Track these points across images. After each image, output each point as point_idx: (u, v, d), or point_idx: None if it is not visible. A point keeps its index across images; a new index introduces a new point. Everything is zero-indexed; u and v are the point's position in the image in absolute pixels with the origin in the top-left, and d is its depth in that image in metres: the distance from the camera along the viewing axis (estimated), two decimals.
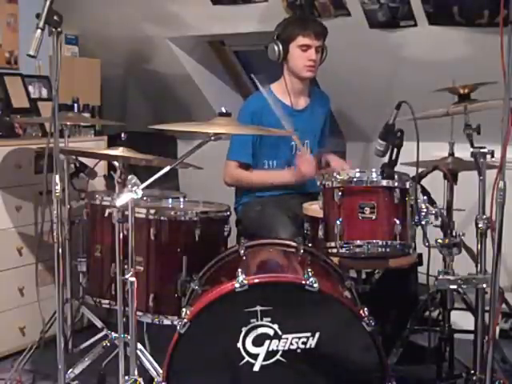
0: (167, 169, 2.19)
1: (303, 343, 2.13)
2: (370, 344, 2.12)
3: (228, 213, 2.87)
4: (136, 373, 2.25)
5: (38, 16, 2.03)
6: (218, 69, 4.54)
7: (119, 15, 4.16)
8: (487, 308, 2.23)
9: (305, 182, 3.09)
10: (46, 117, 3.56)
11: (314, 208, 2.68)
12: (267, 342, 2.13)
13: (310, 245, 2.56)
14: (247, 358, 2.13)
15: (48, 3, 2.03)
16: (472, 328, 2.46)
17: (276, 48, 3.10)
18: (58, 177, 2.12)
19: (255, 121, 3.01)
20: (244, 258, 2.45)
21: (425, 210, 2.39)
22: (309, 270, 2.16)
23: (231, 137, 3.15)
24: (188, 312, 2.18)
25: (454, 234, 2.40)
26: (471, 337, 2.47)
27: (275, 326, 2.12)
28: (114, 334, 2.79)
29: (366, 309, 2.18)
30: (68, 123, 3.09)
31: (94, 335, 2.97)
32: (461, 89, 2.67)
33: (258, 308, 2.11)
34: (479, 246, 2.29)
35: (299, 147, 3.10)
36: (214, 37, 4.23)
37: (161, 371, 2.34)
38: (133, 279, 2.18)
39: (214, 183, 3.47)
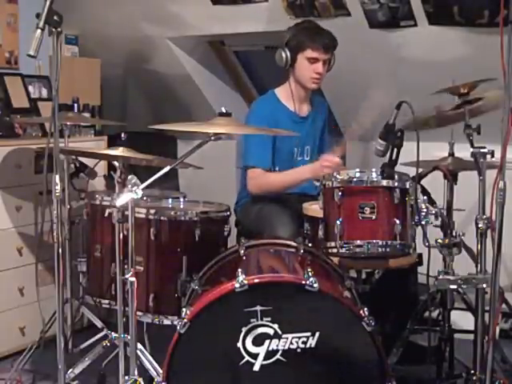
0: (167, 169, 2.19)
1: (303, 343, 2.13)
2: (370, 344, 2.12)
3: (228, 213, 2.87)
4: (136, 373, 2.26)
5: (38, 16, 2.02)
6: (218, 69, 4.54)
7: (119, 15, 4.16)
8: (487, 308, 2.23)
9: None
10: (46, 117, 3.56)
11: (314, 208, 2.68)
12: (267, 341, 2.13)
13: (310, 245, 2.56)
14: (247, 358, 2.13)
15: (48, 3, 2.03)
16: (472, 328, 2.46)
17: (284, 55, 3.07)
18: (57, 177, 2.12)
19: (271, 124, 2.96)
20: (244, 258, 2.45)
21: (425, 210, 2.39)
22: (309, 270, 2.16)
23: (246, 141, 3.12)
24: (188, 312, 2.18)
25: (454, 234, 2.40)
26: (471, 337, 2.47)
27: (275, 326, 2.12)
28: (114, 334, 2.79)
29: (365, 309, 2.18)
30: (68, 123, 3.09)
31: (94, 335, 2.97)
32: (461, 88, 2.67)
33: (258, 308, 2.11)
34: (479, 246, 2.28)
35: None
36: (214, 37, 4.23)
37: (161, 371, 2.34)
38: (133, 279, 2.18)
39: (214, 183, 3.48)
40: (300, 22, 3.20)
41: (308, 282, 2.10)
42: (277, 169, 3.16)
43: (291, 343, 2.13)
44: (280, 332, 2.13)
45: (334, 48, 3.10)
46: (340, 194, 2.37)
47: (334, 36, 3.09)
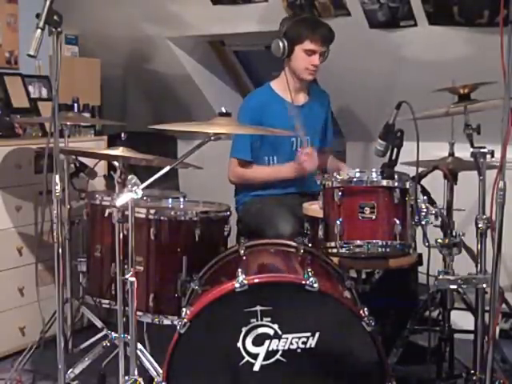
0: (167, 169, 2.19)
1: (303, 343, 2.13)
2: (370, 344, 2.12)
3: (228, 213, 2.87)
4: (136, 373, 2.25)
5: (38, 16, 2.02)
6: (218, 69, 4.54)
7: (119, 15, 4.16)
8: (487, 308, 2.23)
9: (305, 175, 3.09)
10: (46, 117, 3.56)
11: (313, 208, 2.68)
12: (267, 341, 2.13)
13: (309, 245, 2.56)
14: (247, 358, 2.13)
15: (48, 3, 2.03)
16: (472, 328, 2.46)
17: (281, 45, 3.07)
18: (57, 177, 2.12)
19: (256, 117, 3.01)
20: (244, 257, 2.45)
21: (425, 210, 2.39)
22: (309, 269, 2.16)
23: (233, 134, 3.16)
24: (188, 312, 2.18)
25: (454, 234, 2.40)
26: (471, 337, 2.47)
27: (275, 326, 2.12)
28: (113, 334, 2.79)
29: (365, 309, 2.18)
30: (68, 123, 3.09)
31: (94, 335, 2.97)
32: (461, 89, 2.67)
33: (258, 308, 2.11)
34: (479, 246, 2.28)
35: (301, 139, 3.10)
36: (213, 37, 4.23)
37: (161, 371, 2.34)
38: (133, 279, 2.18)
39: (214, 183, 3.48)
40: (298, 14, 3.22)
41: (308, 282, 2.10)
42: (275, 159, 3.19)
43: (291, 343, 2.13)
44: (280, 332, 2.13)
45: (331, 41, 3.11)
46: (340, 193, 2.37)
47: (331, 28, 3.11)
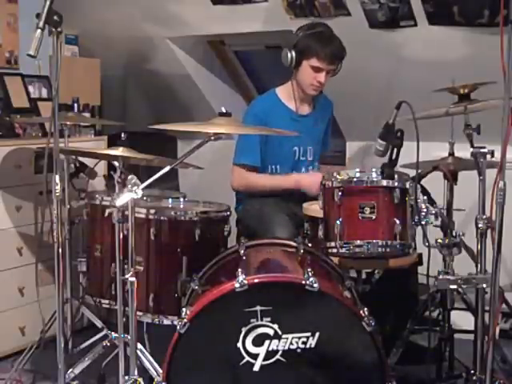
0: (167, 169, 2.19)
1: (303, 343, 2.13)
2: (369, 344, 2.12)
3: (228, 213, 2.87)
4: (136, 373, 2.26)
5: (38, 16, 2.03)
6: (218, 69, 4.54)
7: (119, 15, 4.16)
8: (487, 308, 2.23)
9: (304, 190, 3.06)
10: (45, 117, 3.56)
11: (313, 208, 2.68)
12: (267, 341, 2.13)
13: (309, 245, 2.56)
14: (247, 358, 2.13)
15: (48, 3, 2.03)
16: (472, 328, 2.46)
17: (289, 56, 3.02)
18: (58, 177, 2.12)
19: (259, 124, 2.97)
20: (244, 257, 2.44)
21: (425, 210, 2.39)
22: (309, 269, 2.16)
23: (236, 140, 3.14)
24: (188, 312, 2.18)
25: (454, 234, 2.40)
26: (471, 337, 2.47)
27: (275, 326, 2.12)
28: (114, 334, 2.79)
29: (365, 309, 2.18)
30: (68, 123, 3.09)
31: (94, 335, 2.97)
32: (461, 89, 2.67)
33: (258, 308, 2.11)
34: (479, 246, 2.29)
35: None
36: (213, 37, 4.23)
37: (161, 371, 2.33)
38: (133, 279, 2.18)
39: (213, 183, 3.48)
40: (314, 25, 3.11)
41: (308, 282, 2.10)
42: (278, 168, 3.17)
43: (291, 343, 2.13)
44: (280, 332, 2.12)
45: (341, 59, 3.06)
46: (340, 193, 2.37)
47: (343, 46, 3.05)
